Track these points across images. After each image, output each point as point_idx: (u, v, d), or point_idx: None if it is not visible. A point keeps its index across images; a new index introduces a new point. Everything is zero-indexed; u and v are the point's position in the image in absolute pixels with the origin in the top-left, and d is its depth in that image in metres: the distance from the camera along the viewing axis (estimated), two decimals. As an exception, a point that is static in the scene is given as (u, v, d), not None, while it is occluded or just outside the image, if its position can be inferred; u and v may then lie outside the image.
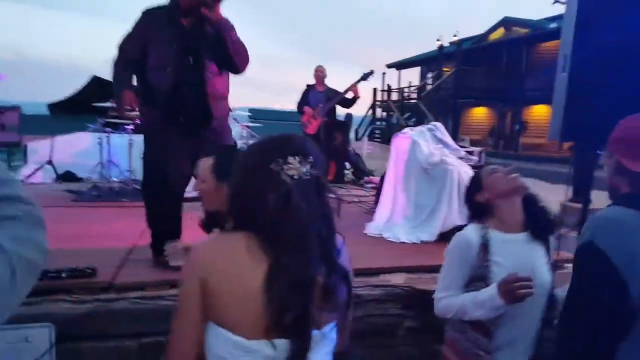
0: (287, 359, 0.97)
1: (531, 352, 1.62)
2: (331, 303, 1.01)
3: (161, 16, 2.72)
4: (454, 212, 3.04)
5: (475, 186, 1.75)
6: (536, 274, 1.54)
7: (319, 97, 6.33)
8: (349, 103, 6.47)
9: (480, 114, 25.23)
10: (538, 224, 1.65)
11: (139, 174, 5.70)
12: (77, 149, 6.48)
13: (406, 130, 3.95)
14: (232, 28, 2.69)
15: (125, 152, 5.69)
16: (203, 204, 1.77)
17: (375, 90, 24.76)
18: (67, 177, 6.20)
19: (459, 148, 3.41)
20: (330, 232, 1.04)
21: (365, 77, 6.24)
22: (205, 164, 1.69)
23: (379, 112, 25.35)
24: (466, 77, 22.66)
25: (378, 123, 24.92)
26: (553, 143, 20.69)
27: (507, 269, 1.53)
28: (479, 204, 1.70)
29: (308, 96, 6.45)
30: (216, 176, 1.64)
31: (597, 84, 2.05)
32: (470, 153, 3.60)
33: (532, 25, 23.14)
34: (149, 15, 2.75)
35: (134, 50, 2.76)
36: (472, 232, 1.67)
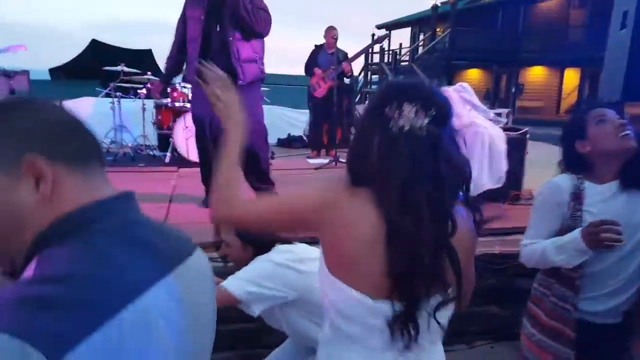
0: (402, 321, 0.93)
1: (625, 308, 1.53)
2: (453, 265, 0.95)
3: None
4: (484, 176, 3.09)
5: (576, 133, 1.56)
6: (636, 228, 1.46)
7: (330, 59, 6.14)
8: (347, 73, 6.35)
9: (474, 76, 25.07)
10: (636, 175, 1.50)
11: (152, 139, 5.69)
12: (85, 113, 6.39)
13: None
14: None
15: (136, 117, 5.64)
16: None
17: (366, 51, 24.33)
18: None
19: (487, 110, 3.43)
20: (444, 198, 0.94)
21: (380, 40, 6.09)
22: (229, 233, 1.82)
23: (370, 76, 25.01)
24: (460, 39, 22.34)
25: (371, 87, 24.66)
26: (550, 106, 20.76)
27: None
28: (577, 154, 1.55)
29: (317, 57, 6.25)
30: (241, 239, 1.78)
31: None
32: (499, 115, 3.63)
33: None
34: None
35: (180, 29, 3.28)
36: (564, 179, 1.56)
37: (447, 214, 0.94)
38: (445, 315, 0.99)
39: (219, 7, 3.10)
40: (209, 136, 3.29)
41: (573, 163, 1.58)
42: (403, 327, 0.93)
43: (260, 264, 1.68)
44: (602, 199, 1.51)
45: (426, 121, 0.92)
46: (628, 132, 1.47)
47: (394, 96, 0.95)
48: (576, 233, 1.44)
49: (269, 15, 3.16)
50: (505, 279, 2.82)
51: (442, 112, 0.95)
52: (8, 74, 5.67)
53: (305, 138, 7.09)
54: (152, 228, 0.71)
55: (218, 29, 3.13)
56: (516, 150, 3.56)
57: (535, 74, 21.37)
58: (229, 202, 1.09)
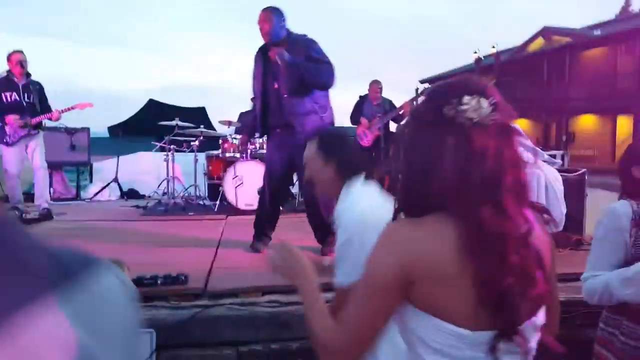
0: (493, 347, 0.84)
1: None
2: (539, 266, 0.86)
3: (259, 53, 3.44)
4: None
5: (634, 158, 1.57)
6: None
7: (374, 109, 6.29)
8: (398, 119, 6.43)
9: (523, 126, 24.17)
10: None
11: (203, 190, 5.85)
12: (140, 167, 6.71)
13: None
14: (309, 45, 3.24)
15: (189, 168, 5.84)
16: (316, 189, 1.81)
17: (412, 104, 24.53)
18: (132, 194, 6.42)
19: (541, 151, 3.32)
20: (525, 191, 0.86)
21: (423, 93, 6.15)
22: (311, 145, 1.73)
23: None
24: (506, 89, 22.18)
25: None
26: (603, 154, 19.98)
27: None
28: (634, 179, 1.53)
29: (362, 107, 6.42)
30: (321, 155, 1.69)
31: None
32: (553, 157, 3.50)
33: (573, 34, 22.64)
34: (256, 54, 3.48)
35: (253, 86, 3.53)
36: (623, 205, 1.51)
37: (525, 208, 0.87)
38: (534, 339, 0.90)
39: (274, 66, 3.27)
40: (277, 184, 3.46)
41: (631, 188, 1.54)
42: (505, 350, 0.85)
43: None
44: None
45: (490, 109, 0.86)
46: None
47: (449, 94, 0.88)
48: None
49: (331, 66, 3.22)
50: (572, 329, 2.60)
51: (497, 99, 0.89)
52: (69, 131, 6.08)
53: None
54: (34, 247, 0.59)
55: (275, 86, 3.31)
56: (575, 192, 3.39)
57: (586, 123, 20.79)
58: (326, 345, 0.95)
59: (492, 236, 0.82)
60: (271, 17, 3.25)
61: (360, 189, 1.64)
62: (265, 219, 3.54)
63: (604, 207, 1.58)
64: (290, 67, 3.16)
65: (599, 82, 19.71)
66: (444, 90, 0.92)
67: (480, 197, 0.83)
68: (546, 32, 23.93)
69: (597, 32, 20.21)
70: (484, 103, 0.86)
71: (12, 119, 4.64)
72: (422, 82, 28.96)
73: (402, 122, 0.99)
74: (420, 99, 0.96)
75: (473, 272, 0.83)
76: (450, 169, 0.84)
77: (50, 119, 4.89)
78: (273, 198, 3.49)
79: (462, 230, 0.83)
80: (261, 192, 3.63)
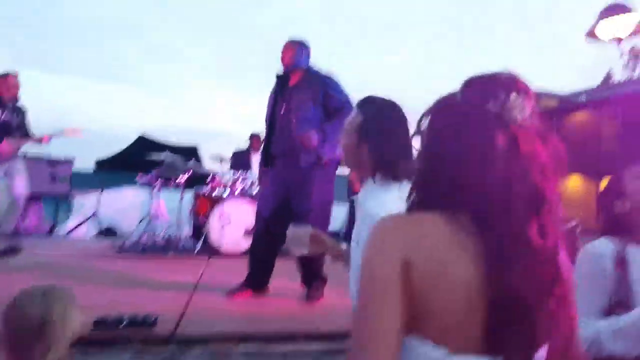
0: None
1: None
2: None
3: (276, 81, 3.38)
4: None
5: (614, 191, 1.46)
6: None
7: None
8: None
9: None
10: None
11: (187, 228, 5.59)
12: (124, 202, 6.46)
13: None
14: (329, 84, 3.23)
15: (174, 206, 5.60)
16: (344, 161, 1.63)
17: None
18: (110, 231, 6.13)
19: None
20: (556, 206, 0.77)
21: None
22: (354, 119, 1.54)
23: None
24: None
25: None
26: (589, 215, 19.98)
27: None
28: (616, 214, 1.42)
29: None
30: (359, 134, 1.50)
31: None
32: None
33: (560, 98, 23.27)
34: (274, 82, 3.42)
35: (266, 117, 3.41)
36: (604, 244, 1.39)
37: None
38: None
39: (287, 91, 3.27)
40: (269, 227, 3.23)
41: (613, 224, 1.44)
42: None
43: None
44: None
45: (529, 113, 0.78)
46: None
47: (495, 87, 0.79)
48: (638, 313, 1.21)
49: (351, 107, 2.88)
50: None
51: (534, 104, 0.81)
52: (52, 161, 5.84)
53: (340, 234, 6.84)
54: None
55: (282, 111, 3.24)
56: (567, 245, 3.17)
57: (572, 183, 20.97)
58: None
59: (526, 251, 0.72)
60: (294, 47, 3.29)
61: (396, 194, 1.44)
62: (255, 264, 3.30)
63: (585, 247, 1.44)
64: (320, 149, 3.13)
65: (585, 144, 20.09)
66: (489, 81, 0.81)
67: (523, 206, 0.73)
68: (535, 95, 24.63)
69: (583, 98, 20.81)
70: (527, 105, 0.79)
71: (5, 145, 4.45)
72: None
73: (428, 111, 0.84)
74: (458, 88, 0.84)
75: (490, 285, 0.70)
76: (499, 173, 0.74)
77: (40, 142, 4.72)
78: (263, 239, 3.26)
79: (489, 239, 0.72)
80: (254, 233, 3.41)
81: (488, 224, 0.73)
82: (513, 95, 0.78)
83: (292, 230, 1.61)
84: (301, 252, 1.58)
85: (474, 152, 0.76)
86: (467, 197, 0.75)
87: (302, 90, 3.23)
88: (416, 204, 0.82)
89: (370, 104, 1.55)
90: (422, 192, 0.83)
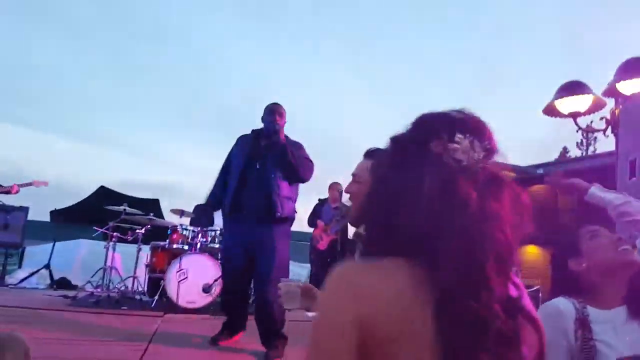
0: None
1: None
2: (514, 355, 0.68)
3: (248, 137, 3.57)
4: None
5: (569, 250, 1.41)
6: None
7: (333, 213, 6.29)
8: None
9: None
10: None
11: (142, 283, 5.43)
12: (78, 255, 6.24)
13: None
14: (300, 147, 3.49)
15: (130, 259, 5.47)
16: (352, 206, 1.59)
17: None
18: (63, 283, 5.88)
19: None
20: (506, 255, 0.70)
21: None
22: (365, 164, 1.54)
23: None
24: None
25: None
26: (547, 284, 20.46)
27: (617, 351, 1.23)
28: (572, 273, 1.38)
29: (321, 211, 6.40)
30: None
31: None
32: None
33: (519, 170, 24.37)
34: (240, 138, 3.63)
35: (225, 167, 3.61)
36: (564, 303, 1.34)
37: (509, 280, 0.72)
38: None
39: (264, 151, 3.46)
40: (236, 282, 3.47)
41: (570, 285, 1.38)
42: None
43: None
44: (613, 326, 1.29)
45: (482, 155, 0.74)
46: (627, 247, 1.33)
47: (440, 127, 0.75)
48: None
49: (312, 164, 3.51)
50: None
51: (493, 144, 0.76)
52: (6, 209, 5.65)
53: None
54: None
55: (257, 166, 3.43)
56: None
57: (530, 253, 21.58)
58: None
59: (463, 306, 0.66)
60: (284, 115, 3.51)
61: None
62: (230, 312, 3.55)
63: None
64: (290, 157, 3.34)
65: (542, 216, 20.96)
66: (435, 120, 0.78)
67: (456, 253, 0.67)
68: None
69: (540, 171, 21.96)
70: (477, 146, 0.74)
71: None
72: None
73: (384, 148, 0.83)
74: (408, 124, 0.81)
75: (437, 336, 0.65)
76: (425, 213, 0.70)
77: (8, 192, 4.69)
78: (232, 294, 3.53)
79: (435, 299, 0.66)
80: (221, 289, 3.75)
81: (427, 266, 0.68)
82: (459, 136, 0.73)
83: (283, 286, 1.62)
84: (293, 306, 1.59)
85: (404, 195, 0.72)
86: (401, 242, 0.71)
87: (279, 152, 3.39)
88: (366, 251, 0.78)
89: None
90: (368, 236, 0.79)
